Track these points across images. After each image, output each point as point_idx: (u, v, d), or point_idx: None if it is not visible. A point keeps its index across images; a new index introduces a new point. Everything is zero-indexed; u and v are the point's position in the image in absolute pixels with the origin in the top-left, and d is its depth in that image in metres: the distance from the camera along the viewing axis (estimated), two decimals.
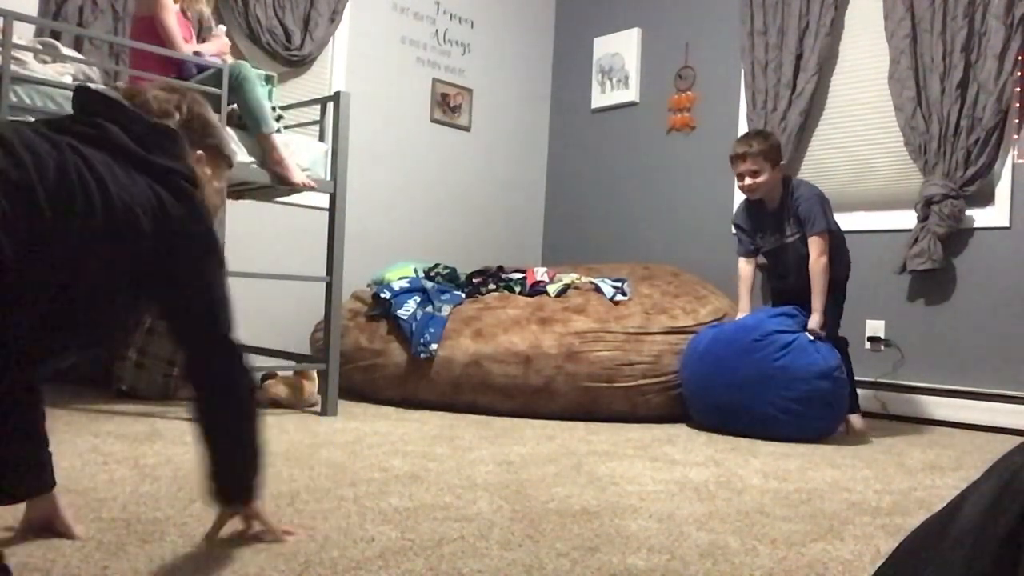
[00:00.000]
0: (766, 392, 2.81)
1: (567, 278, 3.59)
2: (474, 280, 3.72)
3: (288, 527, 1.46)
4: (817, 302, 2.93)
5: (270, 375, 3.18)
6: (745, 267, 3.21)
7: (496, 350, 3.18)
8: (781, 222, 3.09)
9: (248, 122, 2.73)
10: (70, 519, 1.38)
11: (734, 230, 3.29)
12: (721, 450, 2.58)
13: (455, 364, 3.19)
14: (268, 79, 2.90)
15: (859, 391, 3.27)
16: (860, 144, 3.94)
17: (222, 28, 3.05)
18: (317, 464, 2.07)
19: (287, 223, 4.07)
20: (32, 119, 1.70)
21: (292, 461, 2.09)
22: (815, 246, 2.97)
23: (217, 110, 2.64)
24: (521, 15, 5.19)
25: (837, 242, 3.07)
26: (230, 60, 2.90)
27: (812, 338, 2.86)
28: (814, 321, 2.90)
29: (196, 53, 2.85)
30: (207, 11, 3.14)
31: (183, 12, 2.97)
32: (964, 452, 2.77)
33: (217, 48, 2.94)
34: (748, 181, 3.03)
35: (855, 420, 3.11)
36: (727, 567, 1.39)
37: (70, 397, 2.97)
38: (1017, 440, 1.87)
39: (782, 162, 3.09)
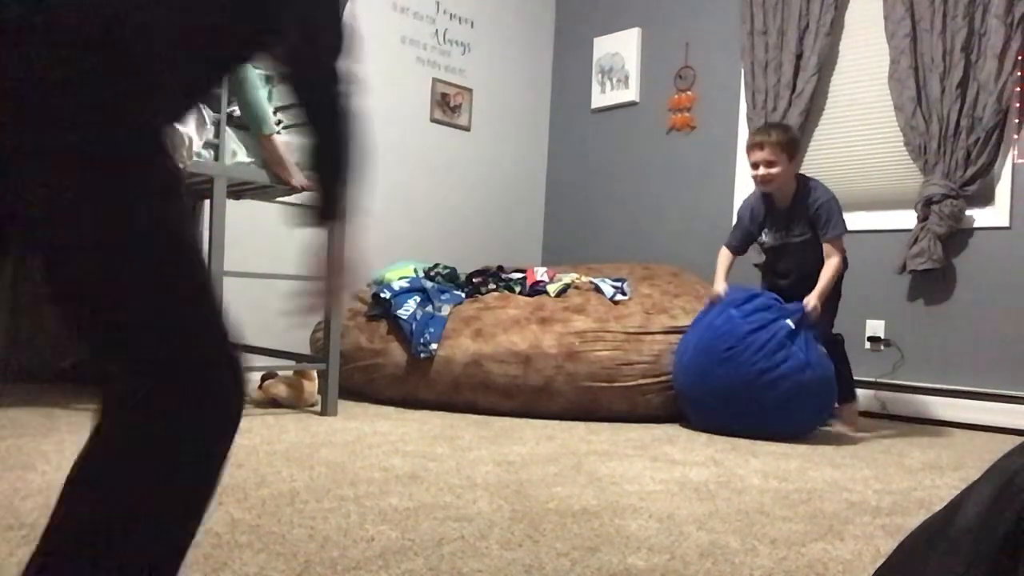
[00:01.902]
0: (751, 397, 2.80)
1: (567, 278, 3.58)
2: (474, 280, 3.72)
3: None
4: (819, 288, 2.91)
5: (270, 375, 3.19)
6: (725, 252, 3.19)
7: (496, 350, 3.17)
8: (790, 221, 3.06)
9: (249, 123, 2.73)
10: None
11: (734, 219, 3.26)
12: (721, 450, 2.58)
13: (455, 364, 3.19)
14: (268, 79, 2.90)
15: (859, 391, 3.25)
16: (860, 144, 3.94)
17: None
18: (317, 464, 2.07)
19: (287, 223, 4.06)
20: None
21: (292, 461, 2.09)
22: (835, 250, 2.96)
23: (217, 110, 2.63)
24: (521, 15, 5.19)
25: None
26: None
27: (793, 326, 2.82)
28: (812, 298, 2.88)
29: None
30: None
31: None
32: (964, 452, 2.77)
33: None
34: (763, 171, 2.97)
35: (846, 411, 3.09)
36: (727, 567, 1.39)
37: (70, 397, 2.97)
38: (1017, 440, 1.87)
39: (798, 157, 3.04)
